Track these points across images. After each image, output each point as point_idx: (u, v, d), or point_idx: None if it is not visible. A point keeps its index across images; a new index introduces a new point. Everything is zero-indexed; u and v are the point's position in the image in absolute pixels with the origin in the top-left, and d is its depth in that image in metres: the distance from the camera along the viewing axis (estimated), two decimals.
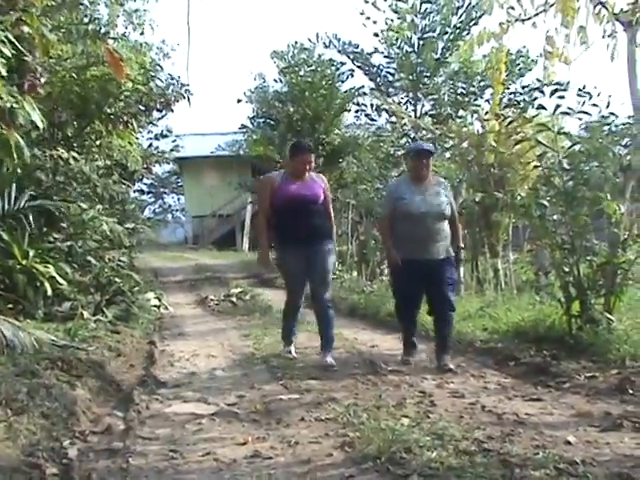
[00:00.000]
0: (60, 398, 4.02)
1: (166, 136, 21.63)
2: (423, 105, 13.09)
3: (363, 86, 15.92)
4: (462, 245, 6.09)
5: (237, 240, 28.92)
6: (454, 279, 5.86)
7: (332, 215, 6.14)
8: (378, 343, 6.77)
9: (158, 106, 12.42)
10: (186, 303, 11.79)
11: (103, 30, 10.06)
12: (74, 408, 4.00)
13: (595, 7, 6.21)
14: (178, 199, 37.29)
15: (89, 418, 4.07)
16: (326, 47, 14.54)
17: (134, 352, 6.36)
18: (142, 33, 12.94)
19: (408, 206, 5.57)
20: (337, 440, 3.54)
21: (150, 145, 19.78)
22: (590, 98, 6.13)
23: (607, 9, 6.24)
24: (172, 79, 11.86)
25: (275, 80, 18.78)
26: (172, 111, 15.45)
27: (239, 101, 20.00)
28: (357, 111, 15.61)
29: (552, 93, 6.12)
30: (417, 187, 5.65)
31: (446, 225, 5.67)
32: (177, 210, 37.18)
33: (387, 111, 13.07)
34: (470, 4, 11.77)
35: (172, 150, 22.44)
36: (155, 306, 9.84)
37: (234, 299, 11.44)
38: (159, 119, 18.40)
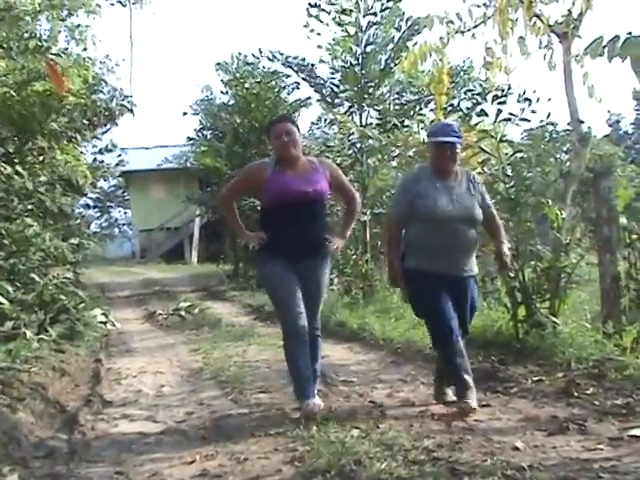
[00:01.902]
0: (0, 423, 3.89)
1: (111, 150, 21.37)
2: (369, 115, 13.16)
3: (310, 97, 15.97)
4: (507, 252, 4.55)
5: (186, 253, 28.69)
6: (477, 303, 4.65)
7: (356, 204, 4.73)
8: (328, 353, 6.74)
9: (102, 120, 12.25)
10: (134, 318, 11.60)
11: (44, 45, 9.85)
12: (15, 433, 3.87)
13: (531, 19, 6.35)
14: (125, 213, 36.85)
15: (31, 442, 3.94)
16: (270, 61, 14.54)
17: (79, 371, 6.21)
18: (85, 49, 12.75)
19: (430, 207, 4.30)
20: (287, 455, 3.50)
21: (95, 159, 19.51)
22: (530, 104, 6.26)
23: (542, 21, 6.38)
24: (115, 91, 11.69)
25: (221, 92, 18.72)
26: (117, 125, 15.29)
27: (185, 114, 19.92)
28: (312, 123, 15.67)
29: (493, 99, 6.22)
30: (442, 182, 4.38)
31: (475, 233, 4.42)
32: (124, 224, 36.70)
33: (334, 122, 13.10)
34: (412, 19, 11.93)
35: (117, 164, 22.18)
36: (102, 323, 9.62)
37: (183, 313, 11.30)
38: (104, 133, 18.19)
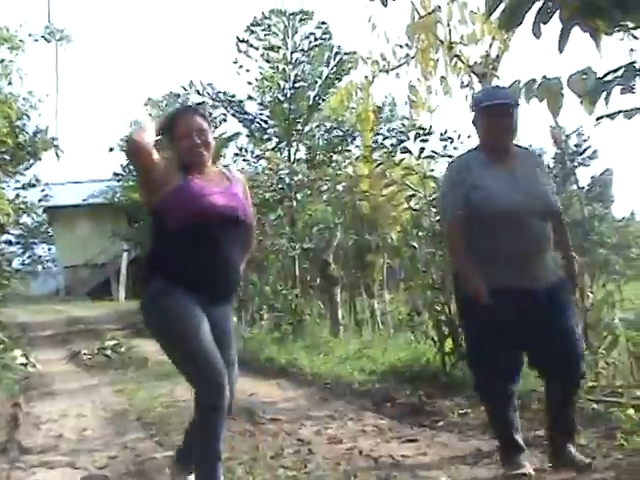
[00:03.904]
0: None
1: (34, 185, 20.80)
2: (297, 150, 13.30)
3: (239, 133, 15.99)
4: (576, 270, 3.64)
5: (113, 289, 28.06)
6: (574, 317, 3.55)
7: (253, 235, 3.66)
8: (257, 390, 6.66)
9: (25, 156, 11.96)
10: (57, 359, 11.21)
11: None
12: None
13: (452, 60, 6.55)
14: (49, 249, 35.79)
15: None
16: (200, 95, 14.55)
17: None
18: (10, 83, 12.45)
19: (491, 200, 3.32)
20: None
21: (17, 195, 18.97)
22: (452, 142, 6.44)
23: (462, 62, 6.59)
24: (39, 131, 11.43)
25: None
26: (40, 160, 14.96)
27: (111, 149, 19.72)
28: (236, 154, 15.65)
29: (416, 137, 6.36)
30: (499, 166, 3.42)
31: (550, 227, 3.45)
32: (48, 260, 35.64)
33: (261, 157, 13.17)
34: (340, 58, 12.19)
35: (41, 200, 21.61)
36: (22, 364, 9.30)
37: (108, 352, 10.99)
38: (27, 168, 17.72)
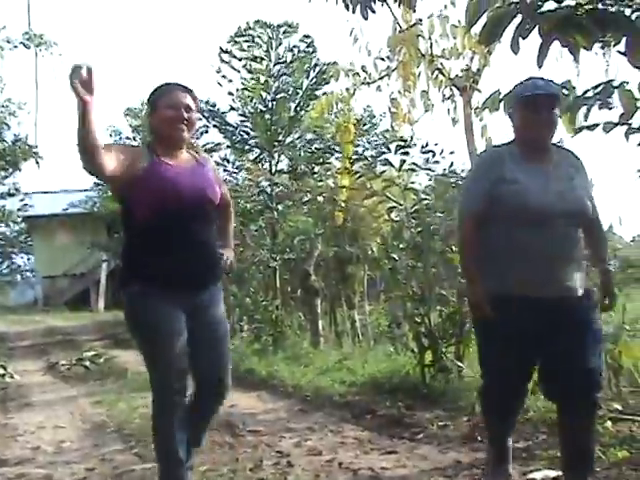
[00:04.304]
0: None
1: (13, 195, 20.65)
2: (279, 161, 13.33)
3: (220, 144, 15.99)
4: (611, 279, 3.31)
5: (92, 300, 27.83)
6: (600, 334, 3.18)
7: (231, 208, 3.53)
8: (237, 402, 6.62)
9: (5, 165, 11.87)
10: (35, 370, 11.09)
11: None
12: None
13: (433, 73, 6.62)
14: (28, 259, 35.46)
15: None
16: None
17: None
18: None
19: (522, 197, 3.02)
20: None
21: None
22: (433, 155, 6.48)
23: (444, 75, 6.65)
24: (19, 139, 11.34)
25: (128, 138, 18.54)
26: (19, 170, 14.85)
27: None
28: (218, 164, 15.65)
29: (397, 150, 6.39)
30: (535, 164, 3.11)
31: (581, 235, 3.17)
32: (27, 270, 35.30)
33: (242, 168, 13.20)
34: (320, 69, 12.25)
35: (20, 209, 21.45)
36: (0, 375, 9.19)
37: (87, 363, 10.88)
38: (5, 177, 17.60)
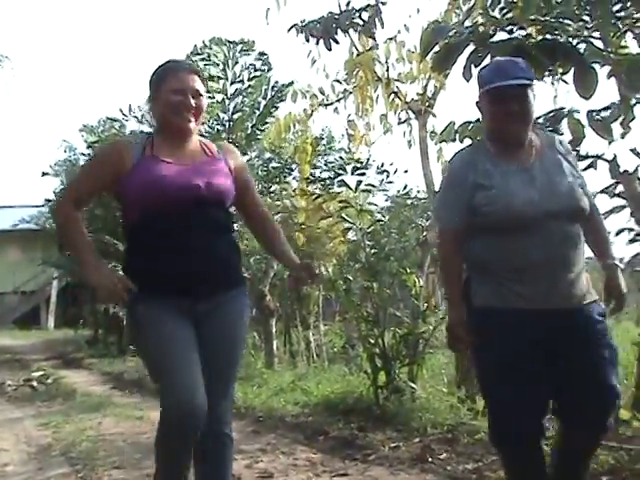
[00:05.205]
0: None
1: None
2: None
3: None
4: (622, 280, 2.83)
5: (42, 318, 27.26)
6: (614, 348, 2.73)
7: (269, 218, 3.06)
8: None
9: None
10: None
11: None
12: None
13: (389, 96, 6.70)
14: None
15: None
16: (139, 122, 14.45)
17: None
18: None
19: (503, 203, 2.66)
20: None
21: None
22: (388, 176, 6.56)
23: (400, 98, 6.74)
24: None
25: (82, 154, 18.33)
26: None
27: (44, 174, 19.30)
28: None
29: (353, 171, 6.44)
30: (512, 161, 2.74)
31: (581, 233, 2.76)
32: None
33: None
34: (278, 89, 12.29)
35: None
36: None
37: (35, 384, 10.61)
38: None
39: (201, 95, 2.75)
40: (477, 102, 2.80)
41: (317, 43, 5.65)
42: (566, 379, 2.62)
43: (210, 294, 2.72)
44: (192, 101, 2.70)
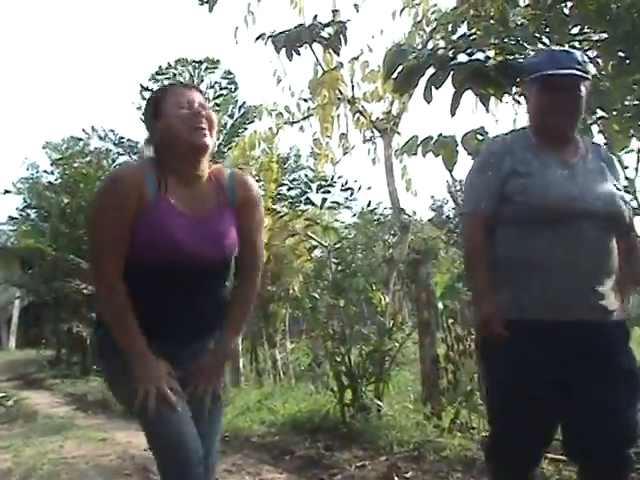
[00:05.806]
0: None
1: None
2: None
3: None
4: None
5: (3, 338, 26.75)
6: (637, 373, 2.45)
7: (259, 271, 2.53)
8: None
9: None
10: None
11: None
12: None
13: (354, 115, 6.76)
14: None
15: None
16: (101, 140, 14.40)
17: None
18: None
19: (540, 193, 2.41)
20: None
21: None
22: (352, 193, 6.62)
23: (365, 117, 6.81)
24: None
25: (45, 171, 18.21)
26: None
27: (7, 192, 19.11)
28: None
29: (318, 189, 6.48)
30: (555, 154, 2.50)
31: (614, 244, 2.49)
32: None
33: None
34: (245, 110, 12.33)
35: None
36: None
37: None
38: None
39: (207, 108, 2.37)
40: (524, 91, 2.64)
41: (278, 52, 5.65)
42: (582, 411, 2.38)
43: (195, 345, 2.44)
44: (202, 112, 2.32)
